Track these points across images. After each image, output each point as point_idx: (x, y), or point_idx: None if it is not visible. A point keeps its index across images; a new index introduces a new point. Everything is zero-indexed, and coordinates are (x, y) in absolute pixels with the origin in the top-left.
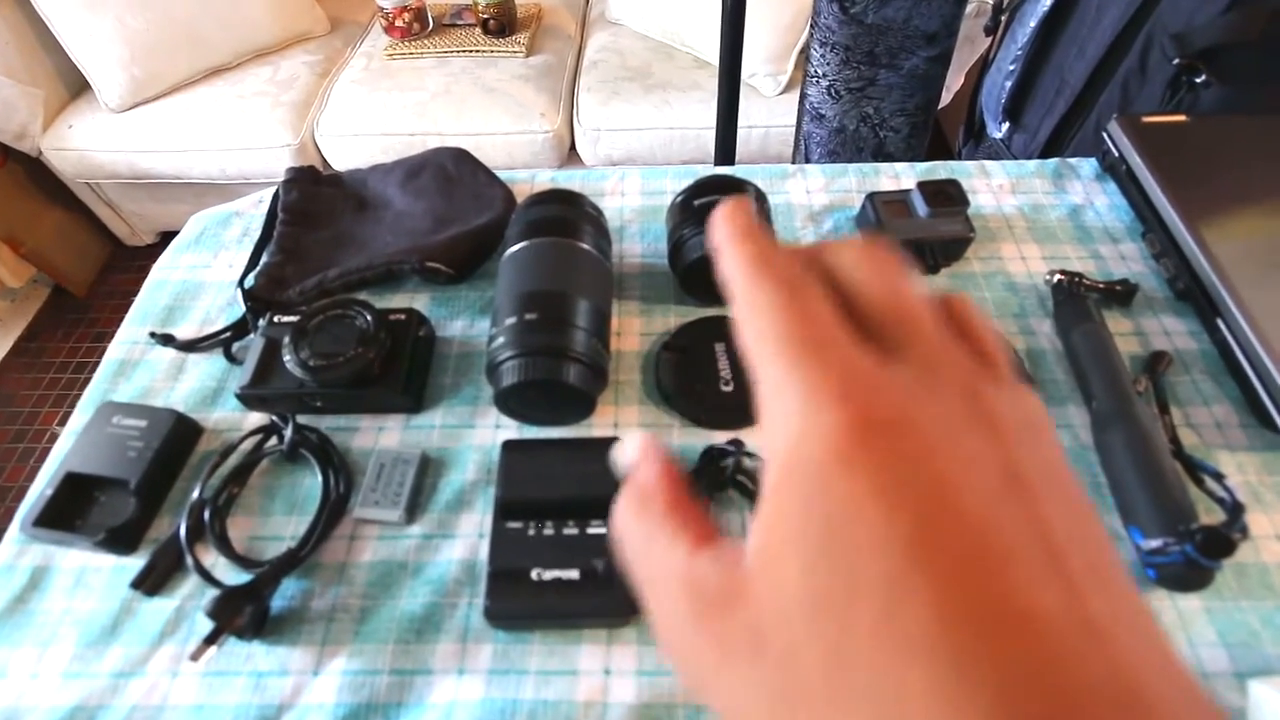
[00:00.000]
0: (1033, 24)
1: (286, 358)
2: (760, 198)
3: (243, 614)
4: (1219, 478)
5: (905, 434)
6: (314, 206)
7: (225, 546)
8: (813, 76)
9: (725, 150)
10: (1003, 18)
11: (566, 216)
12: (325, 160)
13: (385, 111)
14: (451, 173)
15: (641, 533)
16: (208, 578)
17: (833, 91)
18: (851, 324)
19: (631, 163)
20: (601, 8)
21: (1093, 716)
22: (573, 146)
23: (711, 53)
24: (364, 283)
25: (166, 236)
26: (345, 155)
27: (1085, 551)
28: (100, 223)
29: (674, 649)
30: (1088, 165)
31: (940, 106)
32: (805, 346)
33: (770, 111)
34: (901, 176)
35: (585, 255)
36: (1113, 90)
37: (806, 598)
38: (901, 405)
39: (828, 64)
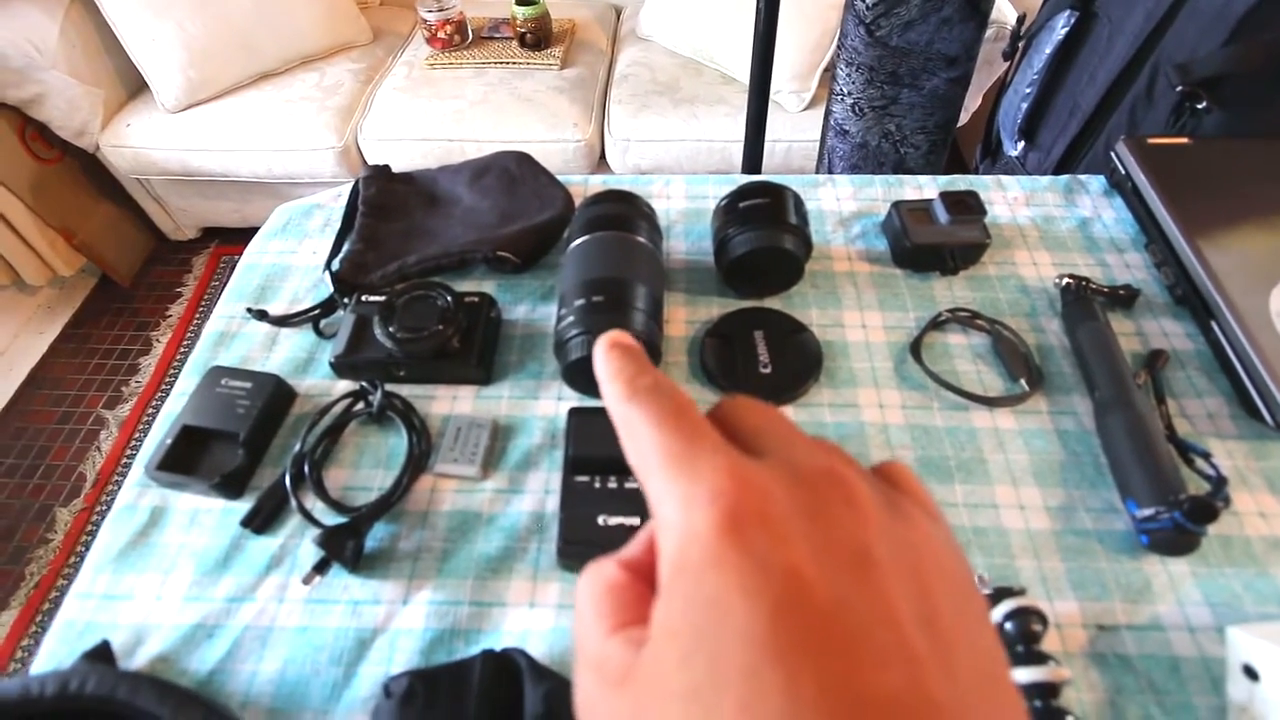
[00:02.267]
0: (1048, 51)
1: (376, 331)
2: (799, 202)
3: (346, 547)
4: (1206, 456)
5: (767, 525)
6: (390, 201)
7: (322, 492)
8: (838, 94)
9: (753, 161)
10: (1020, 44)
11: (624, 213)
12: (366, 162)
13: (425, 118)
14: (515, 173)
15: (580, 609)
16: (309, 518)
17: (857, 109)
18: (716, 430)
19: (659, 172)
20: (632, 24)
21: None
22: (602, 155)
23: (737, 69)
24: (439, 269)
25: (208, 232)
26: (387, 158)
27: (936, 626)
28: (147, 217)
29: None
30: (1096, 182)
31: (959, 125)
32: (678, 456)
33: (794, 127)
34: (924, 187)
35: (641, 247)
36: (1121, 114)
37: (682, 688)
38: (765, 497)
39: (853, 83)
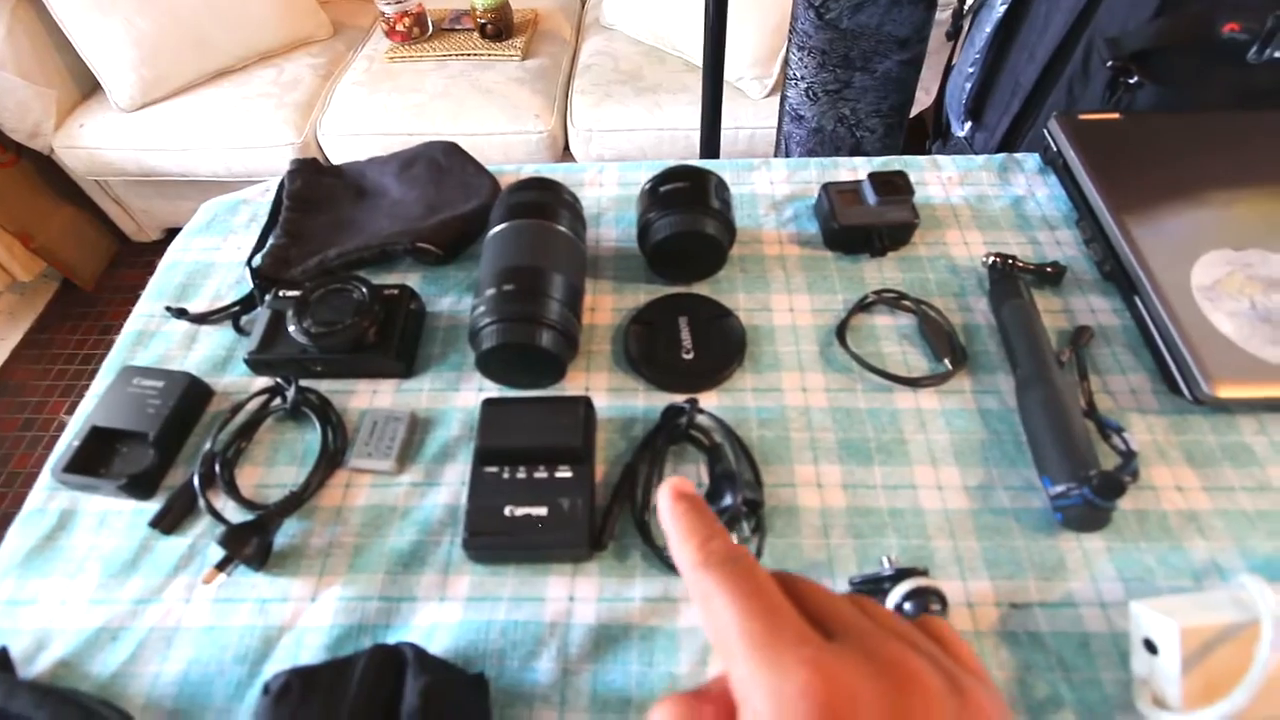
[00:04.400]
0: (988, 30)
1: (290, 326)
2: (722, 186)
3: (249, 544)
4: (1119, 431)
5: (858, 713)
6: (316, 194)
7: (233, 491)
8: (792, 79)
9: (710, 147)
10: (963, 24)
11: (544, 201)
12: (327, 158)
13: (385, 112)
14: (442, 164)
15: None
16: (218, 517)
17: (810, 93)
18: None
19: (622, 161)
20: (596, 13)
21: None
22: (566, 146)
23: (700, 57)
24: (361, 262)
25: (171, 233)
26: (347, 154)
27: None
28: (108, 219)
29: None
30: (1031, 160)
31: (922, 110)
32: (764, 643)
33: (756, 114)
34: (859, 170)
35: (560, 236)
36: (1060, 91)
37: None
38: (852, 697)
39: (805, 67)
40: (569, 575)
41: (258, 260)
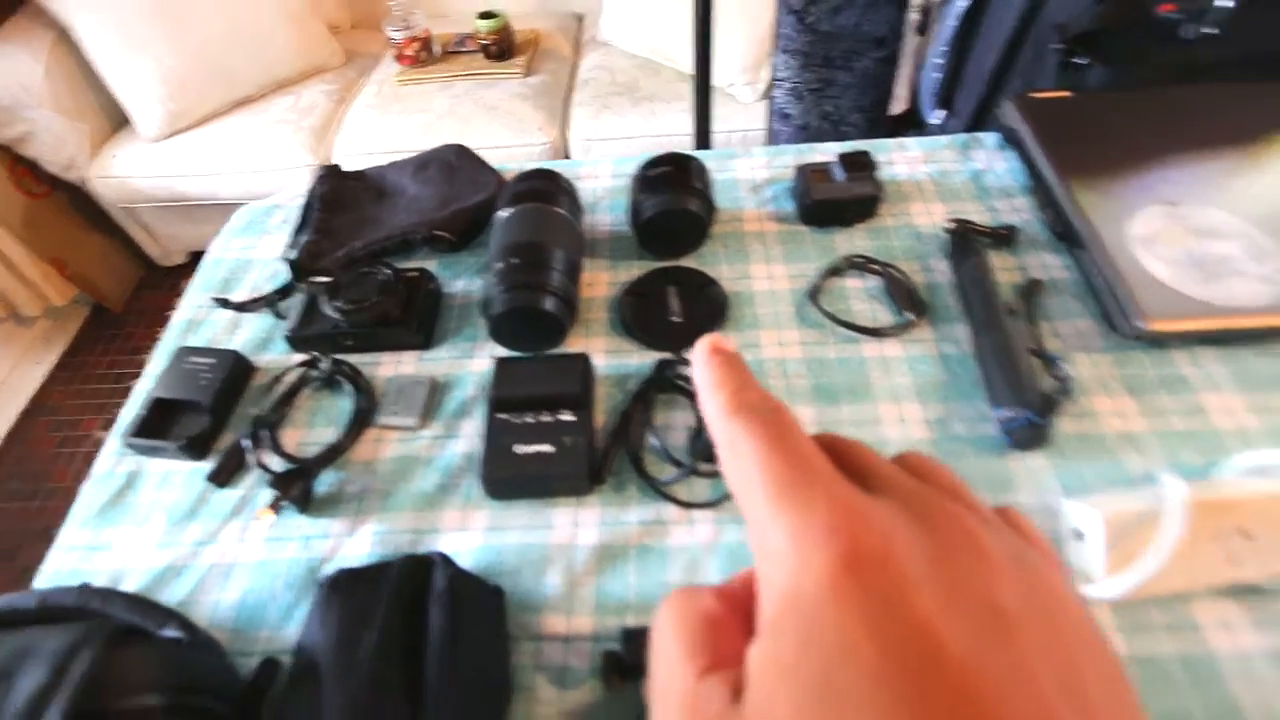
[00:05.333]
0: (952, 23)
1: (324, 306)
2: (702, 169)
3: (294, 487)
4: (1057, 361)
5: (893, 568)
6: (342, 195)
7: (278, 449)
8: (778, 81)
9: (701, 145)
10: (931, 18)
11: (545, 188)
12: None
13: (395, 132)
14: (454, 164)
15: (663, 647)
16: (266, 469)
17: (796, 93)
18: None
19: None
20: (594, 30)
21: None
22: (567, 156)
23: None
24: (384, 252)
25: (196, 256)
26: None
27: (1084, 701)
28: (136, 245)
29: None
30: (992, 138)
31: (906, 109)
32: (790, 483)
33: (748, 117)
34: (832, 155)
35: (560, 217)
36: (1019, 75)
37: None
38: (887, 537)
39: (790, 68)
40: (574, 506)
41: (293, 254)
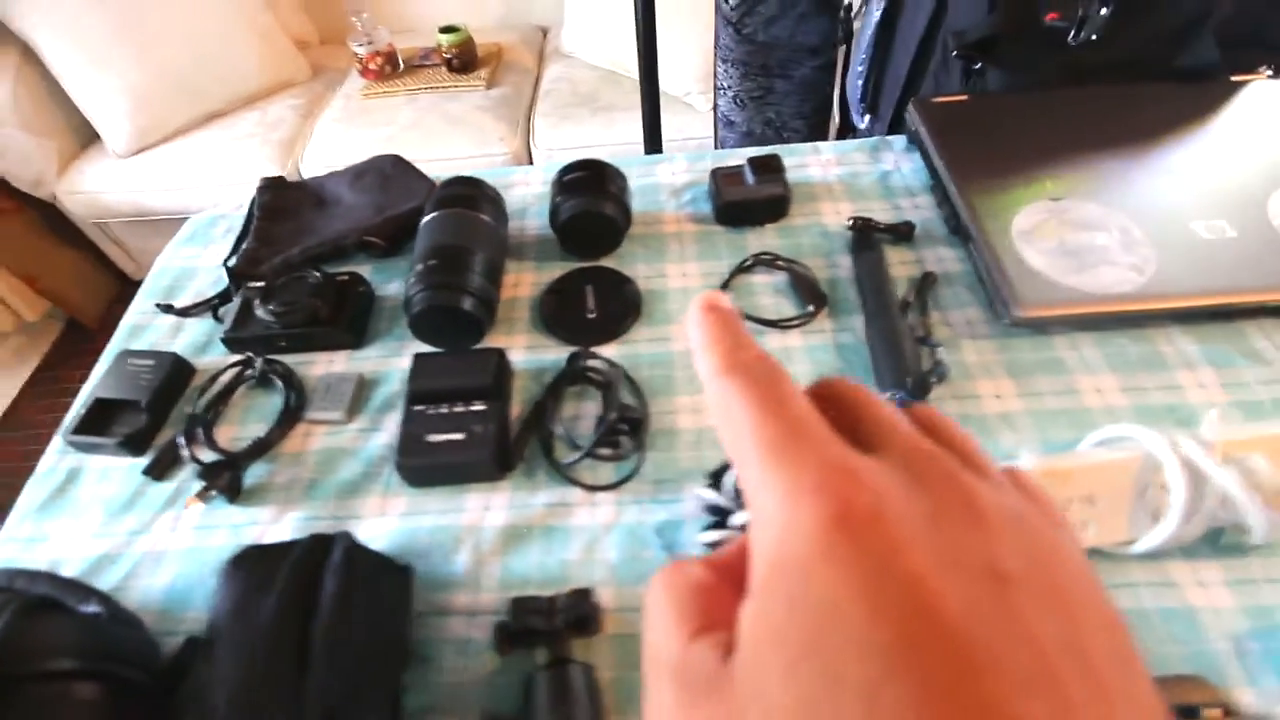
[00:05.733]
0: (870, 32)
1: (258, 310)
2: (618, 174)
3: (222, 478)
4: (936, 347)
5: (884, 527)
6: (282, 205)
7: (212, 444)
8: (720, 89)
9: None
10: (851, 27)
11: (469, 194)
12: None
13: (360, 144)
14: (389, 173)
15: (655, 617)
16: (199, 462)
17: (738, 100)
18: (826, 419)
19: None
20: (557, 43)
21: None
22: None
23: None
24: (320, 258)
25: None
26: None
27: (1086, 657)
28: (108, 260)
29: None
30: (900, 140)
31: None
32: (781, 445)
33: (705, 125)
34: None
35: (481, 222)
36: (929, 80)
37: (789, 701)
38: (879, 496)
39: (731, 77)
40: (486, 492)
41: (233, 262)
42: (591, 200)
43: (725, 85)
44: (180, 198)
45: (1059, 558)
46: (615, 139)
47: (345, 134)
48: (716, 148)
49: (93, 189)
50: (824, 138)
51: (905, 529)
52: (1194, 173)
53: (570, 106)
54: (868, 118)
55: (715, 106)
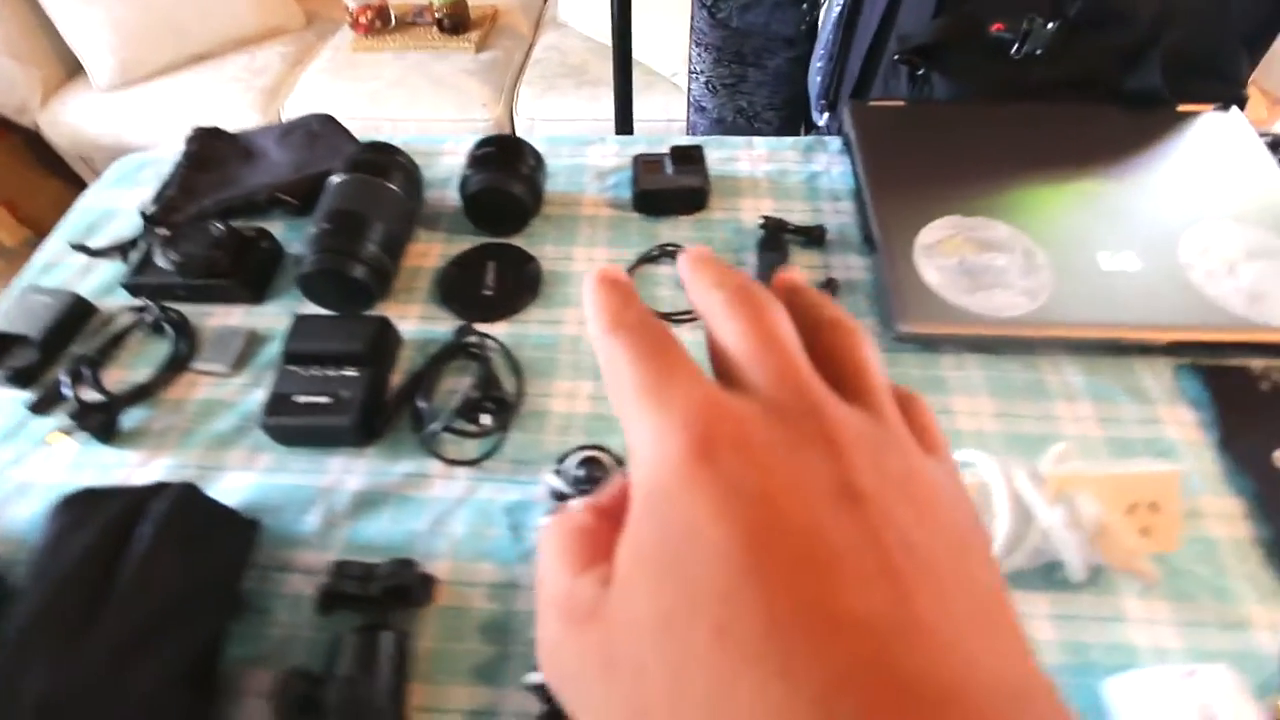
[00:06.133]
0: (830, 28)
1: (159, 258)
2: (533, 153)
3: (94, 419)
4: None
5: (740, 451)
6: (210, 155)
7: (98, 384)
8: (693, 73)
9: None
10: (818, 20)
11: (380, 161)
12: None
13: (344, 99)
14: (317, 131)
15: (544, 563)
16: (81, 403)
17: (710, 86)
18: (695, 364)
19: None
20: (554, 10)
21: (903, 714)
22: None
23: (644, 53)
24: (233, 210)
25: None
26: None
27: (923, 554)
28: None
29: (547, 667)
30: (836, 141)
31: None
32: (652, 387)
33: (682, 106)
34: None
35: (387, 191)
36: (879, 82)
37: (653, 617)
38: (739, 425)
39: (703, 61)
40: (350, 456)
41: (151, 209)
42: (499, 177)
43: (698, 69)
44: (159, 136)
45: (916, 478)
46: (598, 114)
47: (329, 86)
48: (688, 133)
49: (75, 121)
50: (797, 132)
51: (761, 456)
52: (1115, 201)
53: (557, 77)
54: (826, 115)
55: (689, 90)
